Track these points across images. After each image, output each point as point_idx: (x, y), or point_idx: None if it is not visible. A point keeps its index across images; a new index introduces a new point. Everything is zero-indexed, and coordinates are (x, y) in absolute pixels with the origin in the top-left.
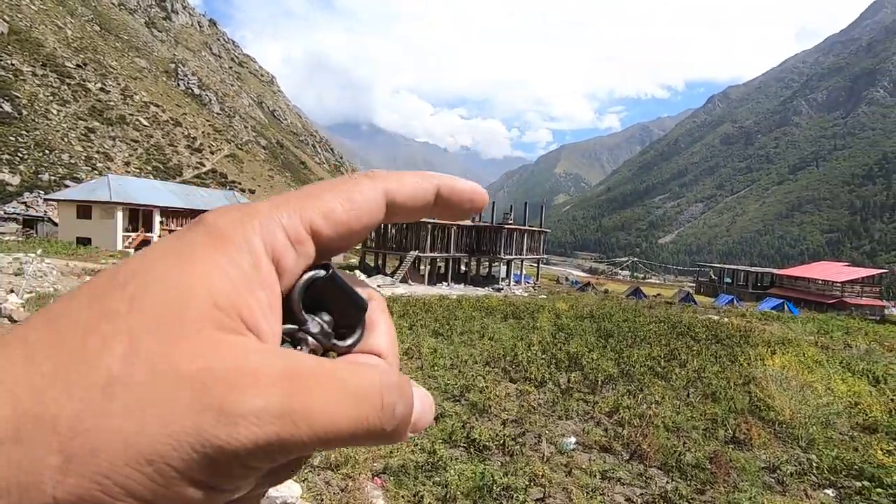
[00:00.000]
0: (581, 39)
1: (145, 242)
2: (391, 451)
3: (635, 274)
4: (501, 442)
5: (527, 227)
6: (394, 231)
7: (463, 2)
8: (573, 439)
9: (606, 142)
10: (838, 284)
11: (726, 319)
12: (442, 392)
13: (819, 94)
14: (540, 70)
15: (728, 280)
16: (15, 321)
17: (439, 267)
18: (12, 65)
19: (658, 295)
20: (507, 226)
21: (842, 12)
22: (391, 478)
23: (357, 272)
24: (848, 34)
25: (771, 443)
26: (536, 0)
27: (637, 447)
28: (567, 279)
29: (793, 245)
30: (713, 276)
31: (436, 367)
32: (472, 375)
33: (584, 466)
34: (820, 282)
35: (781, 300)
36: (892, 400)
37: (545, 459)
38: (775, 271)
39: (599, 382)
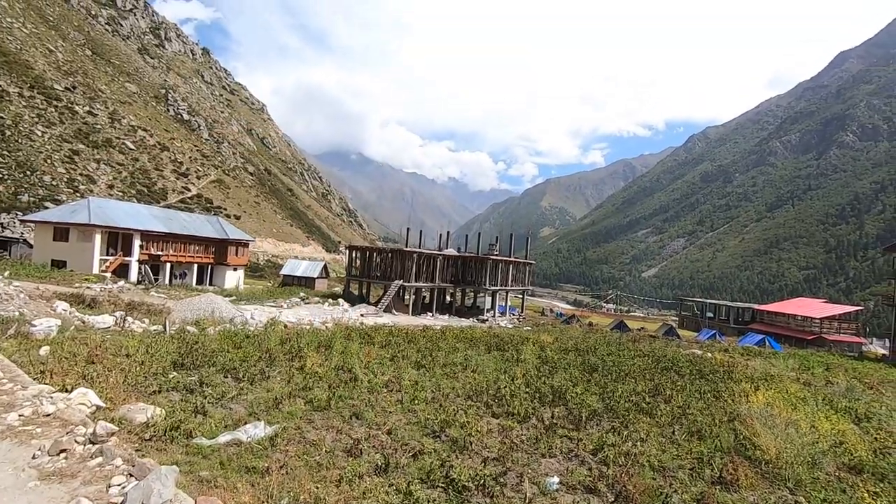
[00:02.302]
0: (564, 80)
1: (123, 266)
2: (364, 493)
3: (618, 307)
4: (482, 482)
5: (512, 259)
6: (378, 260)
7: (453, 41)
8: (557, 479)
9: (591, 177)
10: (817, 321)
11: (710, 354)
12: (421, 427)
13: (793, 137)
14: (526, 107)
15: (710, 314)
16: None
17: (424, 297)
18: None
19: (642, 328)
20: (492, 257)
21: (811, 61)
22: None
23: (341, 301)
24: (818, 81)
25: (758, 483)
26: (522, 41)
27: (622, 488)
28: (552, 311)
29: (772, 281)
30: (696, 311)
31: (416, 401)
32: (454, 410)
33: None
34: (799, 318)
35: (763, 336)
36: (875, 439)
37: (527, 501)
38: (756, 306)
39: (584, 418)
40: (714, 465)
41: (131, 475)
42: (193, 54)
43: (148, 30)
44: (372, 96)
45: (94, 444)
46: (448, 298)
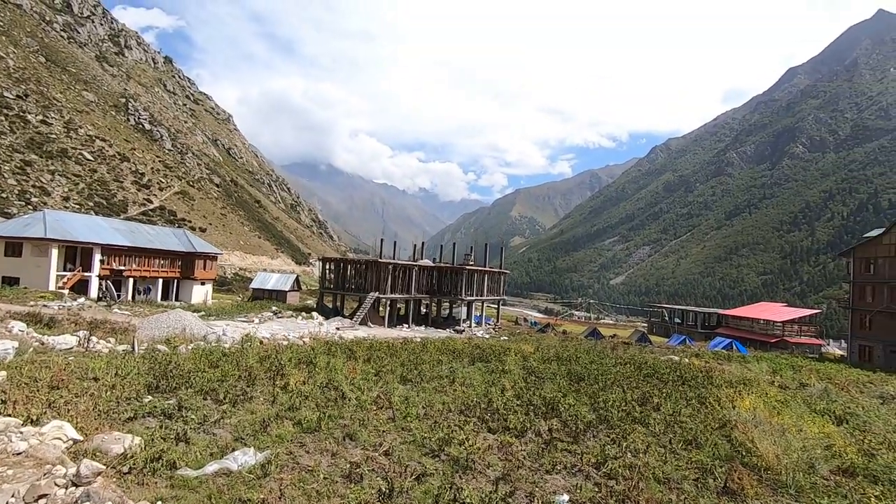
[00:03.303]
0: (530, 93)
1: (82, 282)
2: None
3: (589, 314)
4: None
5: (488, 269)
6: (353, 272)
7: (421, 52)
8: (566, 497)
9: (559, 187)
10: (779, 324)
11: (686, 360)
12: (419, 446)
13: (748, 148)
14: (494, 119)
15: (678, 320)
16: None
17: (399, 308)
18: None
19: (614, 335)
20: (468, 267)
21: (763, 74)
22: None
23: (315, 314)
24: (770, 95)
25: (763, 492)
26: (491, 50)
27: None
28: (526, 320)
29: (732, 286)
30: (664, 317)
31: (408, 418)
32: (449, 426)
33: None
34: (762, 321)
35: (730, 340)
36: (861, 441)
37: None
38: (722, 311)
39: (580, 430)
40: (716, 475)
41: None
42: (155, 63)
43: (107, 37)
44: (340, 106)
45: (77, 486)
46: (423, 310)
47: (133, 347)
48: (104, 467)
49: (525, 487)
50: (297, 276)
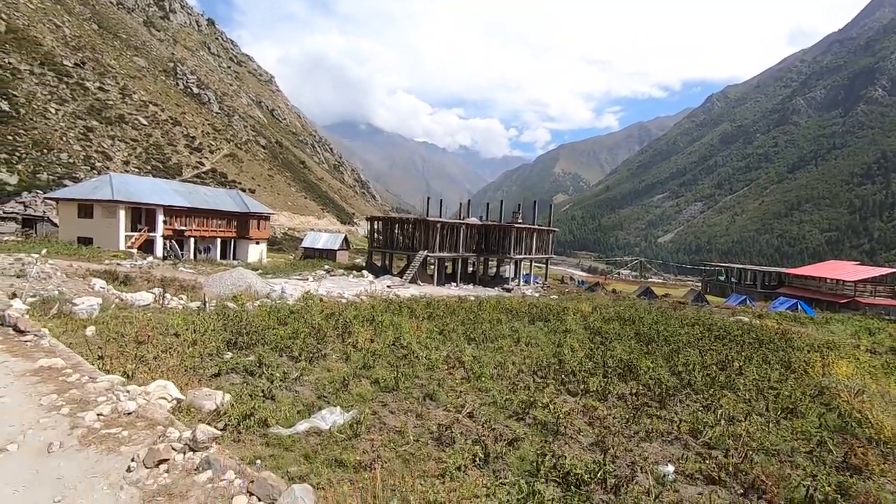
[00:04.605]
0: (569, 43)
1: (148, 242)
2: (476, 491)
3: (636, 273)
4: (601, 476)
5: (536, 227)
6: (401, 230)
7: (458, 5)
8: (671, 468)
9: (605, 141)
10: (850, 283)
11: (757, 321)
12: (500, 408)
13: (818, 93)
14: (537, 72)
15: (734, 279)
16: (22, 331)
17: (446, 267)
18: (10, 63)
19: (667, 295)
20: (516, 225)
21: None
22: None
23: (364, 273)
24: (846, 33)
25: (890, 469)
26: (530, 5)
27: (755, 479)
28: (572, 279)
29: (792, 244)
30: (720, 276)
31: (482, 378)
32: (527, 388)
33: (700, 503)
34: (831, 281)
35: (795, 300)
36: None
37: (655, 497)
38: (785, 270)
39: (663, 395)
40: (830, 448)
41: (252, 494)
42: (199, 25)
43: (152, 1)
44: (377, 62)
45: (194, 451)
46: (470, 268)
47: (204, 304)
48: (219, 433)
49: (623, 456)
50: (346, 236)
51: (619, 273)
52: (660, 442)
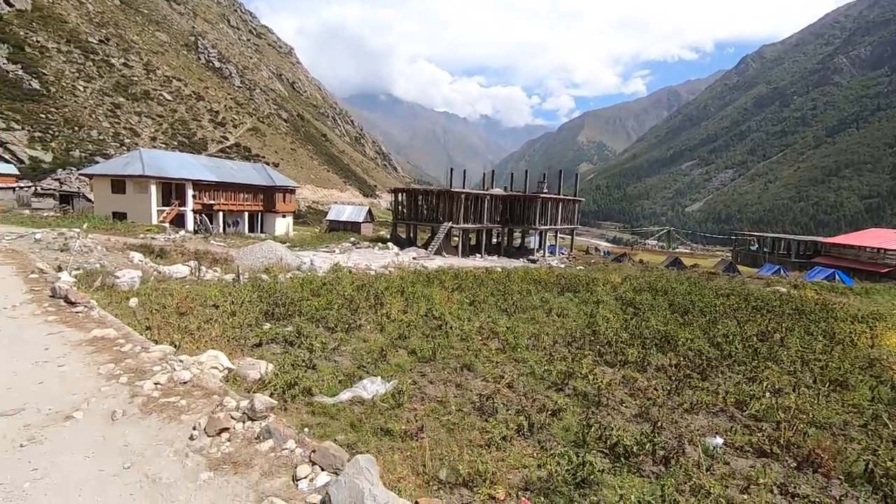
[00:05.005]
0: (604, 4)
1: (179, 216)
2: (524, 460)
3: (663, 244)
4: (649, 448)
5: (561, 196)
6: (425, 202)
7: None
8: (720, 440)
9: (632, 107)
10: (893, 252)
11: (794, 292)
12: (539, 379)
13: (862, 50)
14: (560, 36)
15: (766, 249)
16: (72, 302)
17: (470, 238)
18: (37, 42)
19: (696, 265)
20: (542, 195)
21: None
22: (540, 497)
23: (389, 245)
24: None
25: None
26: None
27: (810, 453)
28: (597, 249)
29: (828, 212)
30: (751, 245)
31: (518, 349)
32: (562, 358)
33: (752, 476)
34: (871, 250)
35: (832, 270)
36: None
37: (706, 469)
38: (821, 239)
39: (704, 366)
40: (886, 422)
41: (315, 463)
42: None
43: None
44: (396, 31)
45: (252, 420)
46: (495, 239)
47: (238, 277)
48: (275, 402)
49: (669, 427)
50: (370, 208)
51: (645, 243)
52: (705, 414)
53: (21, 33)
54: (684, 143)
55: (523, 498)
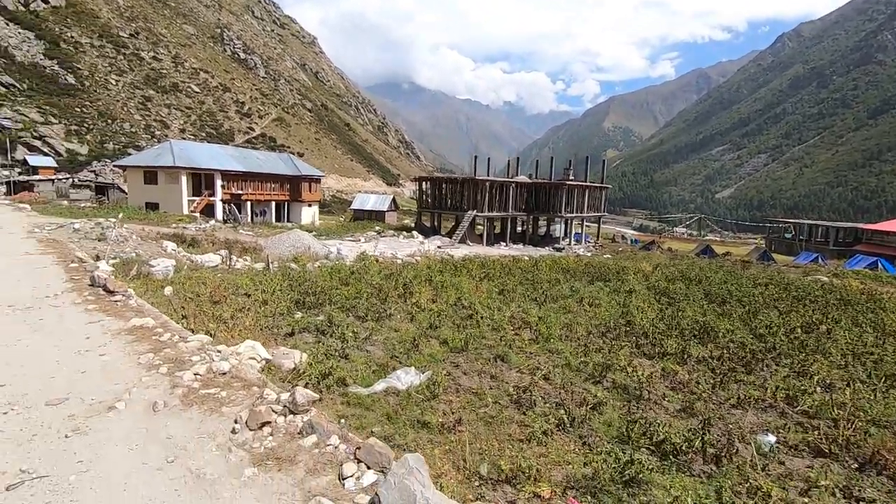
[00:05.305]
0: None
1: (209, 206)
2: (566, 457)
3: (693, 231)
4: (698, 445)
5: (588, 183)
6: (449, 190)
7: None
8: (772, 438)
9: (659, 91)
10: None
11: (837, 281)
12: (575, 371)
13: None
14: (585, 19)
15: (803, 237)
16: (111, 291)
17: (495, 226)
18: (72, 37)
19: (727, 253)
20: (567, 182)
21: None
22: (587, 496)
23: (414, 233)
24: None
25: None
26: None
27: (873, 453)
28: (623, 237)
29: (869, 197)
30: (786, 233)
31: (551, 339)
32: (597, 349)
33: (812, 478)
34: None
35: (874, 258)
36: None
37: (761, 469)
38: (862, 226)
39: (748, 359)
40: None
41: (360, 461)
42: None
43: None
44: (417, 19)
45: (294, 414)
46: (519, 228)
47: (268, 265)
48: (317, 396)
49: (716, 424)
50: (393, 197)
51: (673, 231)
52: (754, 410)
53: (56, 29)
54: (715, 127)
55: (570, 497)
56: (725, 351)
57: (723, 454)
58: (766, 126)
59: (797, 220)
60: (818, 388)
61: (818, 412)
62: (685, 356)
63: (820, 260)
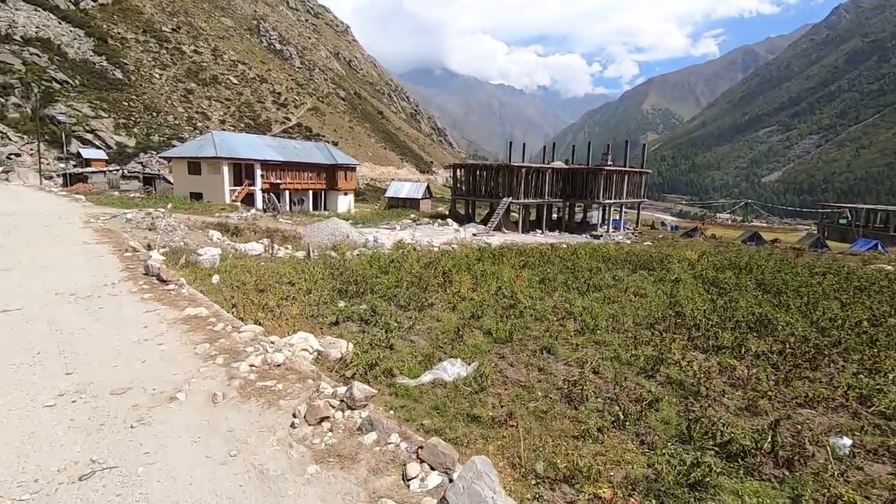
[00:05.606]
0: None
1: (249, 195)
2: (623, 456)
3: (737, 217)
4: (767, 447)
5: (627, 168)
6: (484, 177)
7: None
8: (848, 441)
9: (702, 70)
10: None
11: None
12: (625, 364)
13: None
14: None
15: (859, 222)
16: (164, 280)
17: (530, 213)
18: (119, 33)
19: (776, 240)
20: (606, 167)
21: None
22: (650, 499)
23: (449, 221)
24: None
25: None
26: None
27: None
28: (663, 224)
29: None
30: (841, 218)
31: (597, 331)
32: (647, 341)
33: None
34: None
35: None
36: None
37: (839, 476)
38: None
39: (812, 353)
40: None
41: (423, 461)
42: None
43: None
44: (450, 2)
45: (352, 409)
46: (556, 215)
47: (309, 254)
48: (375, 391)
49: (784, 424)
50: (427, 184)
51: (716, 217)
52: (822, 409)
53: (104, 26)
54: (761, 107)
55: (632, 499)
56: (786, 345)
57: (795, 458)
58: (819, 105)
59: (853, 205)
60: (894, 387)
61: (895, 413)
62: (742, 350)
63: (879, 247)
